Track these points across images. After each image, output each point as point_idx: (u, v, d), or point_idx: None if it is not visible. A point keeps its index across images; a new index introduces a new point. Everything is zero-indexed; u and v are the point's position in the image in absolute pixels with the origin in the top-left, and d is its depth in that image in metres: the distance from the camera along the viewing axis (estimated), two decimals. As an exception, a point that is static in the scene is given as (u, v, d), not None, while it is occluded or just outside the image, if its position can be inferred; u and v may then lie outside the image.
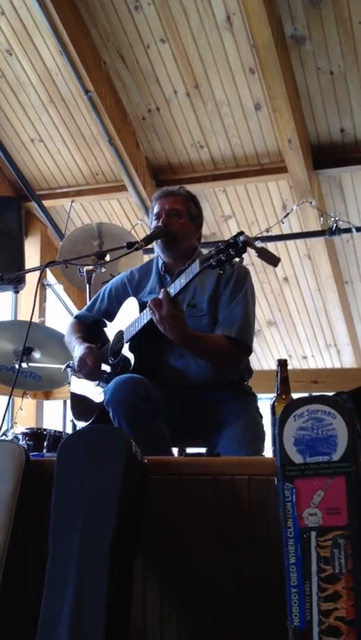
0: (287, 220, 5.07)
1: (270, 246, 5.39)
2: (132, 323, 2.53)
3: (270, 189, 5.27)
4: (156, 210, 2.63)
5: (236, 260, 2.13)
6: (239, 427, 2.42)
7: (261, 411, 2.57)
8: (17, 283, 3.39)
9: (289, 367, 2.12)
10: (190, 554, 1.88)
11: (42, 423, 5.32)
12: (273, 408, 2.05)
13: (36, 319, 5.01)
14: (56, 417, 5.43)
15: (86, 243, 3.69)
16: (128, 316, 2.58)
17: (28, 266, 3.78)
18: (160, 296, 2.31)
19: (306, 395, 1.77)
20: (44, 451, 2.79)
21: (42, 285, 5.33)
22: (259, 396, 2.65)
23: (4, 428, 2.97)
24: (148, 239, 2.60)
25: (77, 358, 2.62)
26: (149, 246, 2.68)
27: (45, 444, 2.83)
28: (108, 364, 2.64)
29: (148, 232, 2.64)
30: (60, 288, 5.57)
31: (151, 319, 2.37)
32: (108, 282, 2.92)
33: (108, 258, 3.32)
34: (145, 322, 2.42)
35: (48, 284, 5.46)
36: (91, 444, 1.79)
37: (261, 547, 1.83)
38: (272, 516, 1.73)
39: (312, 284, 5.85)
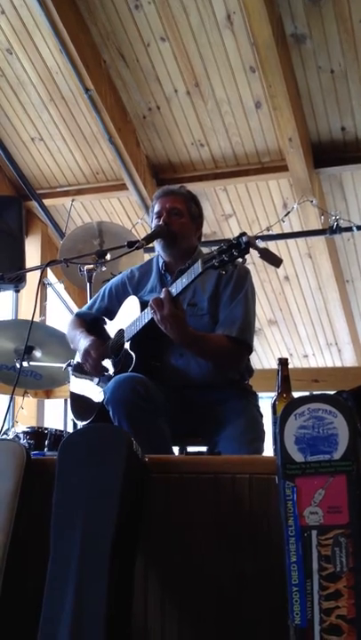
0: (288, 219, 5.07)
1: (271, 245, 5.39)
2: (132, 322, 2.52)
3: (271, 188, 5.27)
4: (156, 209, 2.63)
5: (239, 260, 2.13)
6: (240, 426, 2.42)
7: (262, 409, 2.57)
8: (17, 282, 3.39)
9: (290, 366, 2.12)
10: (191, 552, 1.88)
11: (43, 422, 5.32)
12: (274, 407, 2.05)
13: (36, 318, 5.00)
14: (57, 416, 5.43)
15: (87, 242, 3.69)
16: (129, 315, 2.58)
17: (28, 265, 3.78)
18: (162, 295, 2.31)
19: (307, 393, 1.77)
20: (45, 450, 2.79)
21: (42, 284, 5.32)
22: (259, 394, 2.66)
23: (5, 427, 2.97)
24: (149, 238, 2.60)
25: (82, 350, 2.61)
26: (150, 245, 2.68)
27: (46, 442, 2.83)
28: (108, 361, 2.64)
29: (149, 231, 2.64)
30: (60, 287, 5.57)
31: (152, 319, 2.37)
32: (108, 281, 2.92)
33: (108, 257, 3.32)
34: (146, 321, 2.42)
35: (49, 283, 5.46)
36: (91, 443, 1.79)
37: (262, 545, 1.83)
38: (273, 515, 1.73)
39: (313, 282, 5.85)
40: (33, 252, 5.57)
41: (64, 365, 3.26)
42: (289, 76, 4.41)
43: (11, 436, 2.89)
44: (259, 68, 4.42)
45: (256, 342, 2.55)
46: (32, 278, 3.48)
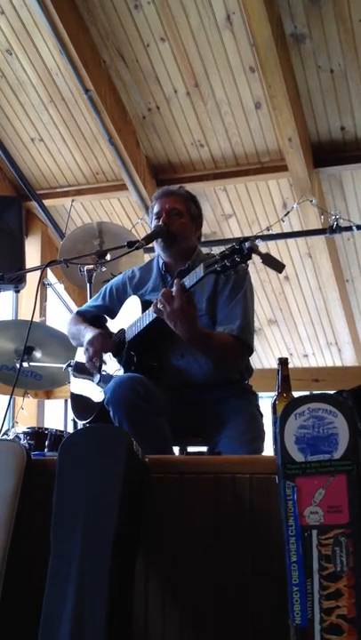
0: (288, 219, 5.07)
1: (271, 245, 5.40)
2: (134, 322, 2.52)
3: (271, 188, 5.27)
4: (156, 209, 2.63)
5: (242, 266, 2.12)
6: (240, 426, 2.42)
7: (262, 409, 2.57)
8: (17, 282, 3.39)
9: (290, 365, 2.12)
10: (191, 552, 1.88)
11: (43, 422, 5.32)
12: (274, 406, 2.05)
13: (36, 318, 5.01)
14: (57, 416, 5.44)
15: (87, 242, 3.69)
16: (130, 315, 2.58)
17: (28, 265, 3.77)
18: (174, 288, 2.28)
19: (307, 393, 1.77)
20: (46, 450, 2.79)
21: (42, 285, 5.32)
22: (260, 394, 2.66)
23: (5, 428, 2.98)
24: (149, 238, 2.60)
25: (88, 339, 2.60)
26: (150, 245, 2.68)
27: (46, 443, 2.83)
28: (109, 358, 2.64)
29: (149, 231, 2.64)
30: (60, 287, 5.58)
31: (154, 319, 2.36)
32: (108, 281, 2.92)
33: (108, 257, 3.32)
34: (148, 322, 2.42)
35: (49, 284, 5.46)
36: (92, 443, 1.79)
37: (263, 545, 1.83)
38: (273, 515, 1.73)
39: (313, 282, 5.85)
40: (33, 253, 5.58)
41: (64, 366, 3.26)
42: (289, 76, 4.42)
43: (11, 436, 2.89)
44: (258, 68, 4.42)
45: (256, 342, 2.56)
46: (32, 278, 3.48)
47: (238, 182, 5.27)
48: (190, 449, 2.67)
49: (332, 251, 5.51)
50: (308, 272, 5.80)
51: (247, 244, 2.06)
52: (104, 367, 2.68)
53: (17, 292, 4.74)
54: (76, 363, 2.90)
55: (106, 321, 2.77)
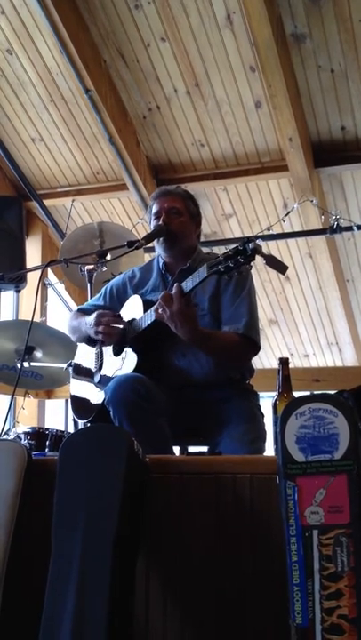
0: (288, 219, 5.06)
1: (271, 245, 5.40)
2: (136, 321, 2.52)
3: (271, 188, 5.27)
4: (155, 209, 2.63)
5: (246, 267, 2.12)
6: (240, 425, 2.42)
7: (263, 409, 2.57)
8: (18, 282, 3.40)
9: (290, 365, 2.12)
10: (192, 552, 1.88)
11: (44, 422, 5.32)
12: (275, 406, 2.05)
13: (37, 318, 5.01)
14: (58, 416, 5.44)
15: (87, 242, 3.69)
16: (132, 315, 2.58)
17: (28, 265, 3.79)
18: (173, 291, 2.29)
19: (307, 393, 1.77)
20: (46, 450, 2.79)
21: (43, 285, 5.32)
22: (260, 394, 2.66)
23: (6, 428, 2.98)
24: (149, 238, 2.60)
25: (93, 318, 2.56)
26: (150, 245, 2.68)
27: (47, 443, 2.83)
28: (110, 360, 2.64)
29: (149, 231, 2.64)
30: (61, 287, 5.57)
31: (155, 320, 2.36)
32: (109, 281, 2.92)
33: (109, 257, 3.32)
34: (149, 321, 2.42)
35: (49, 284, 5.46)
36: (92, 443, 1.79)
37: (263, 545, 1.83)
38: (274, 515, 1.73)
39: (313, 282, 5.85)
40: (33, 253, 5.58)
41: (65, 365, 3.26)
42: (289, 76, 4.41)
43: (12, 436, 2.89)
44: (259, 67, 4.42)
45: (256, 342, 2.57)
46: (33, 278, 3.49)
47: (239, 182, 5.26)
48: (191, 449, 2.68)
49: (333, 251, 5.51)
50: (309, 272, 5.80)
51: (251, 246, 2.06)
52: (104, 367, 2.68)
53: (17, 291, 4.76)
54: (76, 364, 2.90)
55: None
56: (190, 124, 4.95)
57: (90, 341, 2.71)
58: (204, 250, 2.78)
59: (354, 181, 5.11)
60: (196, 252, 2.66)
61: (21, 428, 2.95)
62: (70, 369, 2.97)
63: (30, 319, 2.86)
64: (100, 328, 2.54)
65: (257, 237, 4.80)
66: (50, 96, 4.94)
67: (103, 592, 1.62)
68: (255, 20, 4.10)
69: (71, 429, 3.11)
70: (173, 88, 4.75)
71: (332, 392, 1.91)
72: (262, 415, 2.55)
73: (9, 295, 5.53)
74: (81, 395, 2.78)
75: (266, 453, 2.38)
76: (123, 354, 2.57)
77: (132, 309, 2.60)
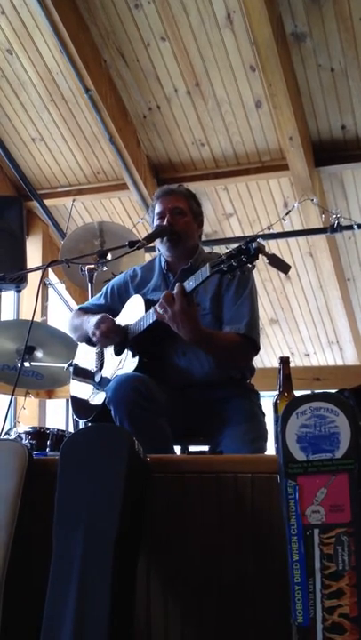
0: (289, 218, 5.06)
1: (272, 244, 5.39)
2: (137, 321, 2.53)
3: (271, 187, 5.27)
4: (158, 209, 2.63)
5: (249, 266, 2.12)
6: (241, 425, 2.42)
7: (264, 408, 2.57)
8: (19, 282, 3.40)
9: (291, 364, 2.12)
10: (193, 551, 1.88)
11: (44, 422, 5.32)
12: (275, 406, 2.05)
13: (37, 318, 5.01)
14: (59, 416, 5.43)
15: (88, 241, 3.69)
16: (133, 314, 2.58)
17: (29, 265, 3.78)
18: (174, 291, 2.29)
19: (308, 392, 1.77)
20: (47, 450, 2.79)
21: (44, 285, 5.32)
22: (261, 393, 2.66)
23: (6, 428, 2.98)
24: (150, 237, 2.60)
25: (94, 321, 2.57)
26: (151, 245, 2.68)
27: (48, 442, 2.83)
28: (110, 359, 2.64)
29: (150, 231, 2.64)
30: (61, 287, 5.57)
31: (154, 321, 2.36)
32: (109, 280, 2.92)
33: (109, 256, 3.32)
34: (151, 321, 2.42)
35: (50, 283, 5.46)
36: (93, 443, 1.79)
37: (264, 544, 1.83)
38: (275, 514, 1.73)
39: (314, 281, 5.85)
40: (34, 253, 5.58)
41: (65, 365, 3.26)
42: (289, 75, 4.41)
43: (13, 436, 2.90)
44: (259, 66, 4.41)
45: (258, 341, 2.58)
46: (33, 278, 3.48)
47: (239, 181, 5.26)
48: (192, 448, 2.68)
49: (333, 249, 5.51)
50: (310, 271, 5.80)
51: (254, 245, 2.06)
52: (105, 368, 2.68)
53: (18, 291, 4.76)
54: (76, 365, 2.90)
55: (107, 320, 2.76)
56: (190, 123, 4.95)
57: (90, 341, 2.71)
58: (206, 249, 2.78)
59: (354, 180, 5.11)
60: (198, 251, 2.66)
61: (22, 428, 2.95)
62: (71, 369, 2.97)
63: (31, 319, 2.86)
64: (98, 333, 2.55)
65: (257, 236, 4.80)
66: (50, 96, 4.94)
67: (104, 592, 1.62)
68: (255, 19, 4.10)
69: (72, 429, 3.11)
70: (174, 87, 4.75)
71: (333, 391, 1.91)
72: (263, 414, 2.55)
73: (10, 295, 5.53)
74: (81, 395, 2.78)
75: (267, 453, 2.38)
76: (123, 353, 2.57)
77: (134, 309, 2.60)
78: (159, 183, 5.22)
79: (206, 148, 5.09)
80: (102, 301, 2.80)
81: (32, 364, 3.54)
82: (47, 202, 5.60)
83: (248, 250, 2.08)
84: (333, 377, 4.74)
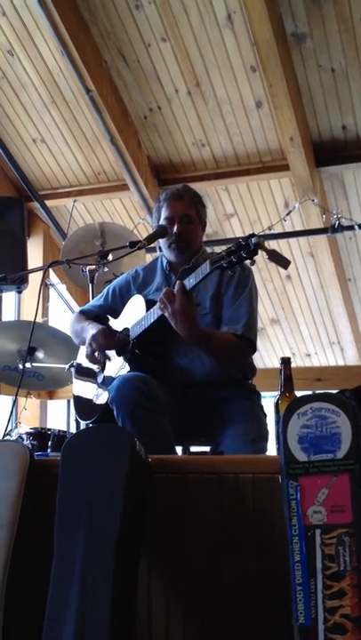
0: (289, 218, 5.06)
1: (273, 244, 5.38)
2: (138, 321, 2.53)
3: (272, 187, 5.27)
4: (166, 213, 2.61)
5: (248, 262, 2.13)
6: (243, 425, 2.42)
7: (265, 409, 2.57)
8: (20, 283, 3.40)
9: (292, 365, 2.12)
10: (195, 552, 1.88)
11: (46, 423, 5.32)
12: (276, 406, 2.05)
13: (39, 319, 5.00)
14: (60, 417, 5.43)
15: (89, 242, 3.70)
16: (134, 314, 2.58)
17: (30, 266, 3.78)
18: (175, 288, 2.30)
19: (309, 392, 1.77)
20: (49, 450, 2.79)
21: (45, 285, 5.32)
22: (262, 394, 2.66)
23: (8, 428, 2.98)
24: (151, 238, 2.60)
25: (90, 335, 2.60)
26: (152, 245, 2.68)
27: (49, 443, 2.83)
28: (113, 355, 2.64)
29: (151, 231, 2.64)
30: (62, 288, 5.57)
31: (158, 318, 2.36)
32: (110, 281, 2.92)
33: (110, 257, 3.31)
34: (152, 320, 2.42)
35: (51, 284, 5.46)
36: (94, 444, 1.79)
37: (266, 545, 1.83)
38: (276, 514, 1.73)
39: (315, 281, 5.84)
40: (35, 253, 5.58)
41: (67, 366, 3.26)
42: (290, 75, 4.41)
43: (14, 436, 2.90)
44: (259, 67, 4.41)
45: (258, 341, 2.57)
46: (34, 279, 3.49)
47: (240, 182, 5.26)
48: (193, 448, 2.68)
49: (334, 250, 5.50)
50: (311, 271, 5.79)
51: (254, 240, 2.07)
52: (107, 367, 2.68)
53: (19, 292, 4.76)
54: (78, 365, 2.90)
55: (108, 320, 2.77)
56: (191, 123, 4.95)
57: None
58: (208, 250, 2.78)
59: (355, 180, 5.11)
60: (200, 251, 2.67)
61: (24, 429, 2.95)
62: (72, 369, 2.97)
63: (32, 320, 2.86)
64: (89, 351, 2.63)
65: (259, 237, 4.79)
66: (51, 97, 4.95)
67: (106, 592, 1.62)
68: (256, 19, 4.10)
69: (73, 430, 3.11)
70: (174, 88, 4.75)
71: (335, 391, 1.91)
72: (264, 415, 2.55)
73: (11, 296, 5.53)
74: (84, 395, 2.78)
75: (268, 453, 2.38)
76: (126, 352, 2.57)
77: (135, 309, 2.60)
78: (160, 184, 5.22)
79: (207, 148, 5.09)
80: (103, 302, 2.80)
81: (33, 364, 3.54)
82: (48, 203, 5.60)
83: (248, 245, 2.09)
84: (335, 377, 4.73)
